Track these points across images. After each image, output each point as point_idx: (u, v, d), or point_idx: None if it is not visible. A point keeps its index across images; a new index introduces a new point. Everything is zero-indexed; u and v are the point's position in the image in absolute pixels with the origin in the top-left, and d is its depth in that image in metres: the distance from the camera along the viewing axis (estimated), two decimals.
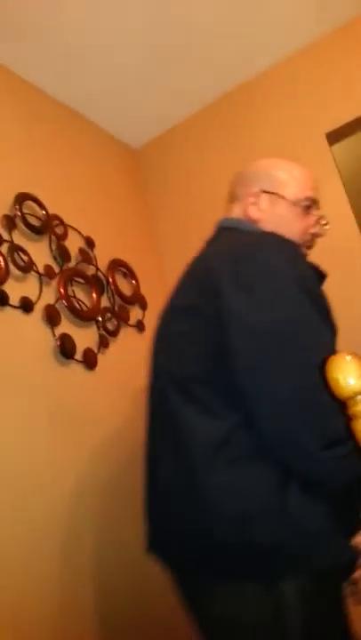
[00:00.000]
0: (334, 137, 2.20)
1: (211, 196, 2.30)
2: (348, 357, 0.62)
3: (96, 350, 1.70)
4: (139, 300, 2.03)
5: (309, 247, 1.20)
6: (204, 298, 0.98)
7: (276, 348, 0.86)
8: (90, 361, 1.65)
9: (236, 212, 1.19)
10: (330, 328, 0.95)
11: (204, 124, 2.37)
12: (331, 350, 0.85)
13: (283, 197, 1.15)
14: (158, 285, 2.26)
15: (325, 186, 2.03)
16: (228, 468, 0.88)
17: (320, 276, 1.08)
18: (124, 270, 2.02)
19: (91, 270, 1.82)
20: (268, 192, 1.16)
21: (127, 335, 1.91)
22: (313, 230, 1.18)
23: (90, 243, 1.87)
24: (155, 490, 1.02)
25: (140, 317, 2.02)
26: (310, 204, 1.17)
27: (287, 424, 0.83)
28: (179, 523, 0.94)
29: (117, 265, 1.98)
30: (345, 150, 2.37)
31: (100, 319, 1.77)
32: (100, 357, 1.71)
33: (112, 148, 2.35)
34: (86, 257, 1.82)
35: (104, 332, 1.77)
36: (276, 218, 1.15)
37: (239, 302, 0.91)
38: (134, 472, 1.59)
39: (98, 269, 1.86)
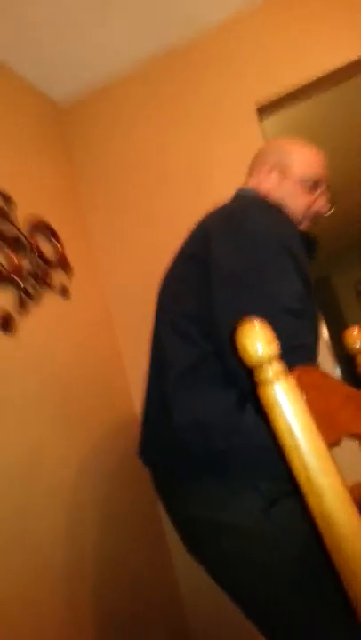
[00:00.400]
0: (265, 111, 2.21)
1: (138, 161, 2.27)
2: (258, 324, 0.63)
3: (15, 314, 1.65)
4: (63, 263, 1.98)
5: (312, 221, 1.34)
6: (197, 248, 1.15)
7: (247, 291, 1.00)
8: (7, 324, 1.59)
9: (251, 183, 1.33)
10: (306, 285, 1.06)
11: (134, 88, 2.31)
12: (298, 297, 1.00)
13: (291, 175, 1.28)
14: (83, 250, 2.21)
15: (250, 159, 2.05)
16: (195, 385, 1.03)
17: (310, 242, 1.23)
18: (47, 232, 1.95)
19: (10, 231, 1.75)
20: (279, 169, 1.29)
21: (51, 301, 1.86)
22: (315, 208, 1.31)
23: (6, 199, 1.78)
24: (145, 405, 1.19)
25: (66, 283, 1.96)
26: (315, 184, 1.29)
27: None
28: (155, 430, 1.12)
29: (39, 226, 1.90)
30: (275, 125, 2.39)
31: (19, 281, 1.70)
32: (19, 322, 1.66)
33: (36, 102, 2.24)
34: (3, 213, 1.74)
35: (24, 296, 1.71)
36: (282, 192, 1.28)
37: (222, 251, 1.05)
38: (57, 438, 1.62)
39: (18, 230, 1.78)
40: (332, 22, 2.07)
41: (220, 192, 1.40)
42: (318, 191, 1.31)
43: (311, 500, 0.59)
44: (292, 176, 1.29)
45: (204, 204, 1.30)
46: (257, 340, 0.62)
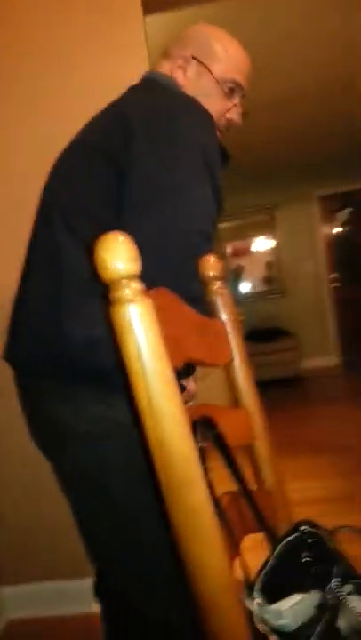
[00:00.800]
0: (151, 6, 2.03)
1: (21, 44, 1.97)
2: (122, 238, 0.58)
3: None
4: None
5: (220, 131, 1.17)
6: (110, 141, 1.00)
7: (168, 208, 0.93)
8: None
9: (165, 69, 1.15)
10: (217, 205, 1.01)
11: None
12: (213, 223, 0.99)
13: (210, 71, 1.12)
14: None
15: (129, 53, 1.90)
16: (88, 300, 0.94)
17: (225, 156, 1.10)
18: None
19: None
20: (198, 60, 1.13)
21: None
22: (229, 115, 1.17)
23: None
24: (21, 307, 1.07)
25: None
26: (235, 89, 1.15)
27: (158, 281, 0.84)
28: (36, 336, 1.02)
29: None
30: (159, 24, 2.23)
31: None
32: None
33: None
34: None
35: None
36: (197, 89, 1.13)
37: (146, 156, 0.95)
38: None
39: None
40: None
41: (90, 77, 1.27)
42: (236, 98, 1.18)
43: (148, 424, 0.58)
44: (214, 72, 1.13)
45: (78, 103, 1.17)
46: (118, 255, 0.57)
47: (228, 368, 1.01)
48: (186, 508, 0.58)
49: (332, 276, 7.21)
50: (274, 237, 7.19)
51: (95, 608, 1.20)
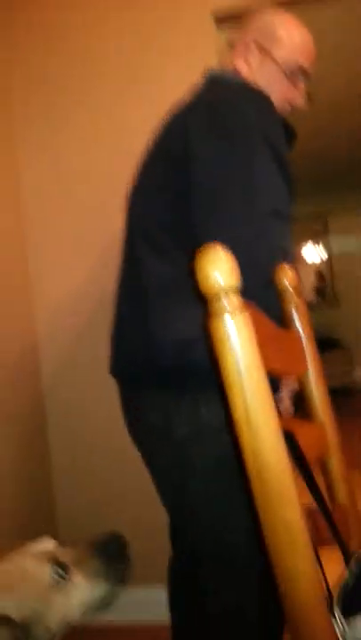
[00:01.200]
0: (223, 20, 2.04)
1: (77, 59, 2.01)
2: (221, 252, 0.59)
3: None
4: None
5: (285, 114, 1.17)
6: (175, 142, 1.02)
7: (232, 192, 0.94)
8: None
9: (228, 60, 1.15)
10: (287, 184, 1.01)
11: None
12: (286, 200, 0.98)
13: (272, 56, 1.11)
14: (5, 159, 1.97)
15: (201, 65, 1.91)
16: (173, 304, 0.99)
17: (290, 134, 1.09)
18: None
19: None
20: (260, 46, 1.11)
21: None
22: (293, 100, 1.16)
23: None
24: (117, 324, 1.13)
25: None
26: (298, 73, 1.14)
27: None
28: (131, 348, 1.07)
29: None
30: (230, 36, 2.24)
31: None
32: None
33: None
34: None
35: None
36: (259, 75, 1.11)
37: (204, 146, 0.96)
38: None
39: None
40: None
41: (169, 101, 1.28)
42: (301, 82, 1.16)
43: (245, 436, 0.59)
44: (276, 57, 1.12)
45: (154, 118, 1.19)
46: (219, 268, 0.58)
47: (302, 380, 1.01)
48: (281, 521, 0.58)
49: None
50: (326, 246, 7.09)
51: None
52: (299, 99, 1.17)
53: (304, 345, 1.02)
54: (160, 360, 1.01)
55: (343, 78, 3.43)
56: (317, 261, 7.12)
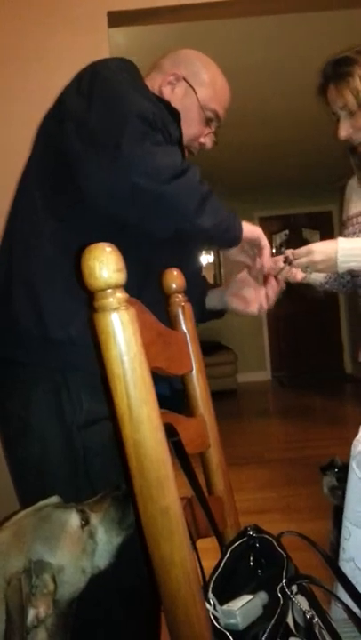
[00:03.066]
0: (116, 19, 2.07)
1: None
2: (109, 249, 0.61)
3: None
4: None
5: (190, 152, 1.26)
6: (49, 123, 1.11)
7: (100, 110, 0.99)
8: None
9: (153, 79, 1.23)
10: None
11: None
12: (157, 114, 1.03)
13: (196, 95, 1.20)
14: None
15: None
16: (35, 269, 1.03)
17: (174, 115, 1.16)
18: None
19: None
20: (188, 82, 1.20)
21: None
22: (202, 140, 1.25)
23: None
24: None
25: None
26: (213, 118, 1.24)
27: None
28: None
29: None
30: (123, 37, 2.27)
31: None
32: None
33: None
34: None
35: None
36: (181, 107, 1.18)
37: (76, 105, 1.02)
38: None
39: None
40: None
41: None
42: (212, 126, 1.26)
43: (126, 427, 0.61)
44: (196, 98, 1.21)
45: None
46: (106, 265, 0.60)
47: (186, 378, 1.05)
48: (158, 508, 0.61)
49: None
50: (215, 251, 7.34)
51: None
52: (208, 140, 1.27)
53: (189, 345, 1.06)
54: (21, 328, 1.05)
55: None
56: (207, 267, 7.35)
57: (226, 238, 1.13)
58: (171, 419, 0.92)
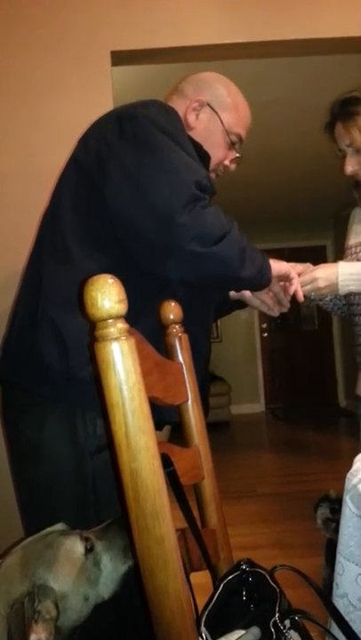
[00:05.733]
0: (119, 58, 2.14)
1: None
2: (111, 280, 0.63)
3: None
4: None
5: (216, 174, 1.30)
6: (86, 150, 1.11)
7: (151, 174, 1.00)
8: None
9: (176, 105, 1.21)
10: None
11: None
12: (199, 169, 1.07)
13: (220, 120, 1.23)
14: None
15: (97, 99, 1.98)
16: (66, 307, 1.02)
17: (204, 157, 1.20)
18: None
19: None
20: (212, 108, 1.23)
21: None
22: (227, 163, 1.29)
23: None
24: (11, 324, 1.15)
25: None
26: (236, 141, 1.27)
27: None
28: (18, 347, 1.10)
29: None
30: (126, 76, 2.34)
31: None
32: None
33: None
34: None
35: None
36: (205, 133, 1.22)
37: (121, 150, 1.04)
38: None
39: None
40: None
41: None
42: (236, 150, 1.29)
43: (124, 456, 0.62)
44: (224, 122, 1.24)
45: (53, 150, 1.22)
46: (108, 296, 0.62)
47: (181, 408, 1.06)
48: (153, 538, 0.61)
49: (263, 325, 7.48)
50: None
51: None
52: (233, 164, 1.31)
53: (185, 375, 1.07)
54: (46, 364, 1.04)
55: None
56: None
57: (261, 283, 1.19)
58: (166, 449, 0.93)
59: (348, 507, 1.01)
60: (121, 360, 0.62)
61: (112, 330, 0.62)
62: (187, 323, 1.06)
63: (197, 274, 1.06)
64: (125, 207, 1.02)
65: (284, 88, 3.12)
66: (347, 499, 1.03)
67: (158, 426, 1.12)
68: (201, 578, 0.94)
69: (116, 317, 0.62)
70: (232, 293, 1.42)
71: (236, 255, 1.06)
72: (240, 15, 2.08)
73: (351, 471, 1.06)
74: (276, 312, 1.35)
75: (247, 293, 1.37)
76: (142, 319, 0.98)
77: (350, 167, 1.46)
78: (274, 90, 3.09)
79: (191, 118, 1.24)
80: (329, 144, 1.52)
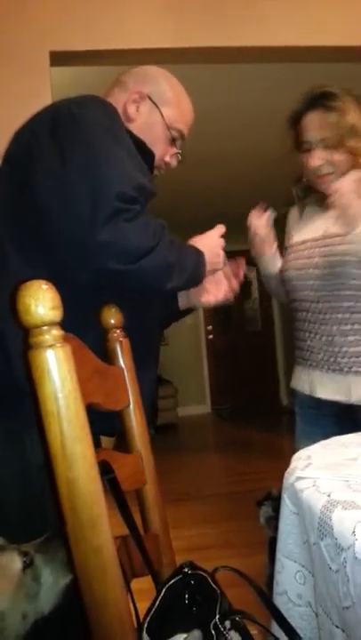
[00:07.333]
0: (58, 59, 2.11)
1: None
2: (45, 286, 0.61)
3: None
4: None
5: (158, 171, 1.27)
6: (18, 146, 1.07)
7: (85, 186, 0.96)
8: None
9: (118, 98, 1.21)
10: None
11: None
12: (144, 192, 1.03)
13: (161, 114, 1.19)
14: None
15: (34, 100, 1.94)
16: (5, 319, 0.95)
17: (148, 154, 1.18)
18: None
19: None
20: (153, 101, 1.19)
21: None
22: (167, 159, 1.25)
23: None
24: None
25: None
26: (177, 137, 1.24)
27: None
28: None
29: None
30: (64, 77, 2.31)
31: None
32: None
33: None
34: None
35: None
36: (146, 127, 1.19)
37: (50, 151, 1.00)
38: None
39: None
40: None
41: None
42: (177, 146, 1.26)
43: (60, 465, 0.61)
44: (165, 117, 1.21)
45: None
46: (42, 302, 0.60)
47: (123, 413, 1.05)
48: (91, 548, 0.60)
49: (208, 327, 7.56)
50: None
51: None
52: (173, 159, 1.28)
53: (126, 380, 1.06)
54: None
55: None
56: None
57: (192, 286, 1.20)
58: (107, 455, 0.92)
59: (286, 505, 1.02)
60: (56, 368, 0.61)
61: (47, 337, 0.61)
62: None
63: (124, 286, 1.06)
64: (51, 211, 1.00)
65: (240, 94, 3.14)
66: (285, 497, 1.05)
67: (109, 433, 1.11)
68: (144, 583, 0.94)
69: (51, 324, 0.61)
70: (181, 303, 1.40)
71: (162, 269, 1.04)
72: (185, 20, 2.09)
73: (288, 469, 1.08)
74: (220, 297, 1.33)
75: (194, 301, 1.36)
76: (91, 330, 0.97)
77: (317, 161, 1.37)
78: (230, 96, 3.11)
79: (131, 110, 1.21)
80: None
